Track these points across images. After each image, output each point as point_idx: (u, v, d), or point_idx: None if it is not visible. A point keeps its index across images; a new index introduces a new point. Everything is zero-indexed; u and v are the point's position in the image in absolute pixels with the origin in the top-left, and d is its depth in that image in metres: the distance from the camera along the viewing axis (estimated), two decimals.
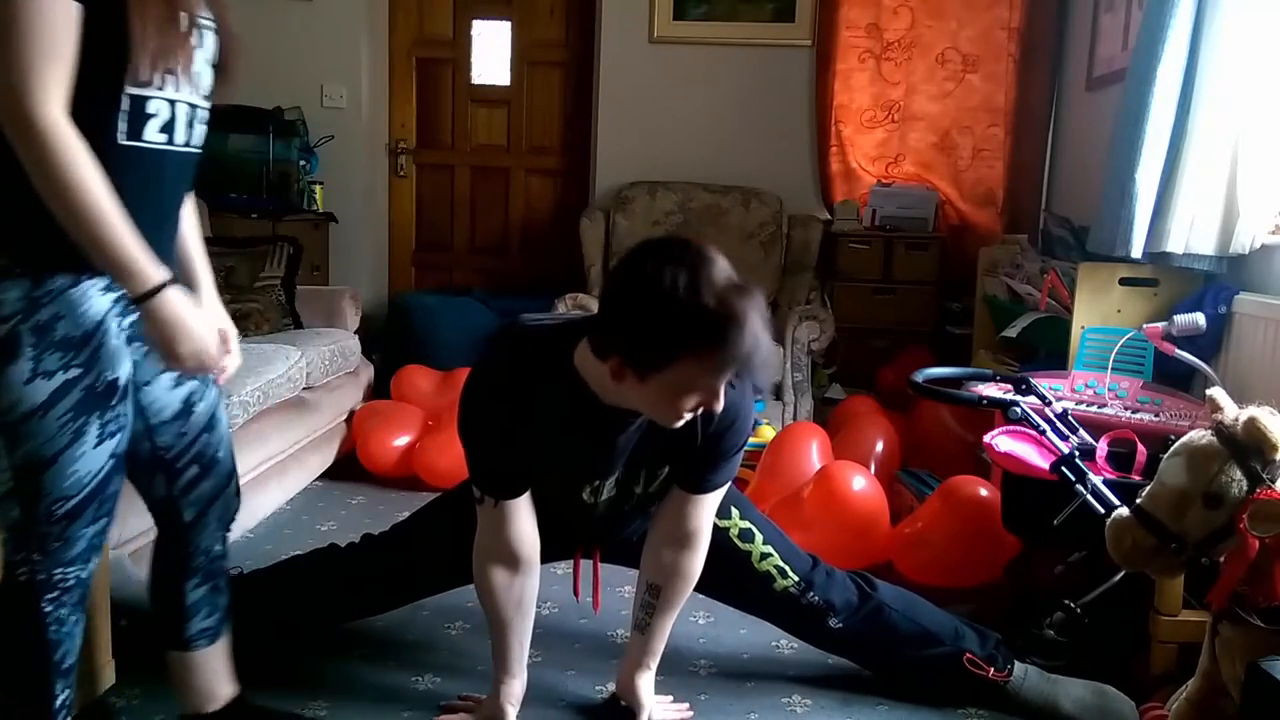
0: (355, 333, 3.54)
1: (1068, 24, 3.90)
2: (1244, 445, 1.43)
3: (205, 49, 1.32)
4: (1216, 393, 1.55)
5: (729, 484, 1.72)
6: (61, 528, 1.29)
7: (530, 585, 1.71)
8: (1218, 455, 1.45)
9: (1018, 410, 2.03)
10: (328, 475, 3.16)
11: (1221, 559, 1.49)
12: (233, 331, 1.54)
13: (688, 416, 1.45)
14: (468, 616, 2.14)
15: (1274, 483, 1.42)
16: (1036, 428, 2.02)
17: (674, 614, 1.78)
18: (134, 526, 2.06)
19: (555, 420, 1.54)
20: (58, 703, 1.35)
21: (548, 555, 1.74)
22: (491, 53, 4.54)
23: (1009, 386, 2.28)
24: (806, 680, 1.96)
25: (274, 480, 2.77)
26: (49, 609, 1.31)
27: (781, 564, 1.83)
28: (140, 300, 1.22)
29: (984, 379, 2.44)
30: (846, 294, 3.95)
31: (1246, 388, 2.22)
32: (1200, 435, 1.50)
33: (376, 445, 3.13)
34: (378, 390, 3.67)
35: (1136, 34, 2.68)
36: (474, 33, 4.53)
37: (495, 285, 4.50)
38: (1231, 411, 1.49)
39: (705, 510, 1.70)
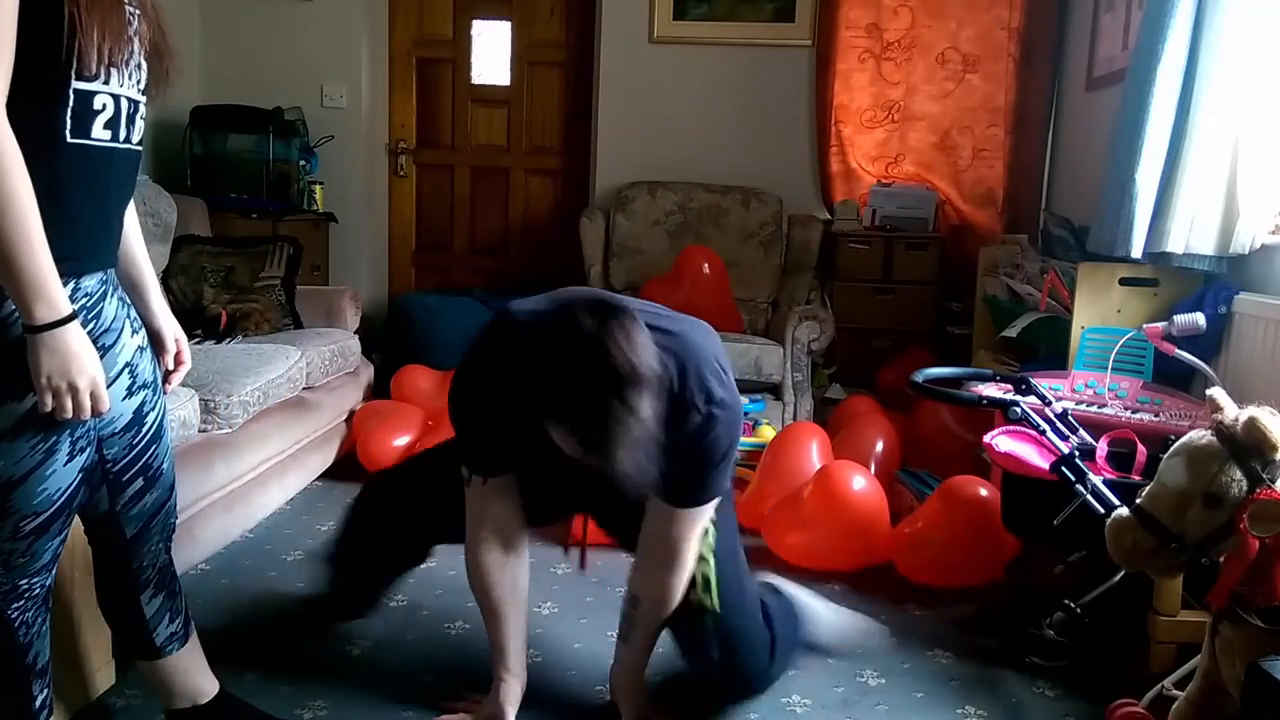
0: (355, 333, 3.54)
1: (1068, 24, 3.90)
2: (1244, 445, 1.43)
3: (144, 42, 1.27)
4: (1216, 393, 1.55)
5: (712, 503, 1.65)
6: (28, 543, 1.27)
7: (521, 569, 1.72)
8: (1218, 455, 1.45)
9: (1018, 410, 2.03)
10: (328, 475, 3.16)
11: (1221, 559, 1.49)
12: (183, 337, 1.52)
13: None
14: (468, 616, 2.14)
15: (1274, 483, 1.42)
16: (1036, 428, 2.02)
17: (654, 631, 1.74)
18: None
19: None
20: (37, 703, 1.34)
21: (542, 518, 1.76)
22: (491, 53, 4.55)
23: (1009, 386, 2.28)
24: (806, 680, 1.96)
25: (274, 480, 2.77)
26: (15, 615, 1.30)
27: (710, 584, 1.69)
28: (43, 329, 1.13)
29: (984, 379, 2.44)
30: (846, 294, 3.95)
31: (1246, 388, 2.22)
32: (1200, 435, 1.50)
33: (376, 445, 3.13)
34: (378, 390, 3.67)
35: (1136, 34, 2.68)
36: (474, 33, 4.53)
37: (495, 285, 4.50)
38: (1231, 411, 1.49)
39: (684, 526, 1.64)
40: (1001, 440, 2.06)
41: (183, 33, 4.21)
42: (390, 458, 3.11)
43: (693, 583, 1.69)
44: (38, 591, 1.32)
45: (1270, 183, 2.41)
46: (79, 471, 1.28)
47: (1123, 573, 1.87)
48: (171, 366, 1.50)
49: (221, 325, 3.13)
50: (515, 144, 4.58)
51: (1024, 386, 2.24)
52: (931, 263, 3.93)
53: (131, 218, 1.41)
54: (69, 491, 1.28)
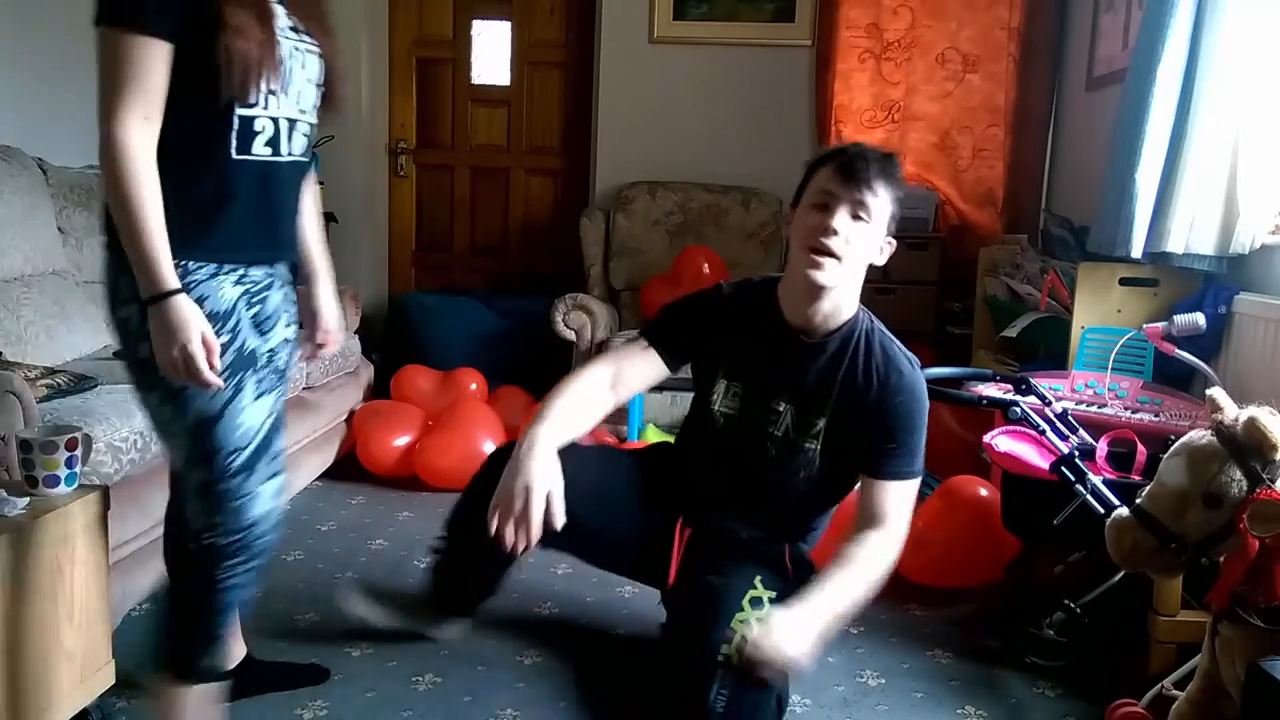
0: (355, 333, 3.54)
1: (1068, 24, 3.90)
2: (1244, 445, 1.43)
3: (308, 70, 1.46)
4: (1216, 393, 1.55)
5: (914, 481, 1.78)
6: (239, 481, 1.43)
7: (598, 413, 1.79)
8: (1218, 455, 1.45)
9: (1018, 410, 2.03)
10: (328, 475, 3.16)
11: (1221, 559, 1.49)
12: (340, 326, 1.76)
13: (816, 254, 1.67)
14: None
15: (1274, 483, 1.42)
16: (1036, 428, 2.02)
17: (845, 577, 1.65)
18: (134, 527, 2.06)
19: (745, 329, 1.80)
20: (207, 666, 1.52)
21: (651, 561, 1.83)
22: (491, 53, 4.54)
23: (1009, 386, 2.28)
24: (807, 680, 1.96)
25: None
26: (222, 577, 1.46)
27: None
28: (150, 301, 1.32)
29: (984, 379, 2.44)
30: None
31: (1246, 388, 2.22)
32: (1200, 435, 1.50)
33: (376, 445, 3.13)
34: (378, 390, 3.67)
35: (1136, 34, 2.68)
36: (474, 33, 4.53)
37: (495, 285, 4.50)
38: (1231, 411, 1.49)
39: (889, 497, 1.75)
40: (1001, 440, 2.06)
41: None
42: (390, 459, 3.12)
43: (729, 636, 1.61)
44: (251, 561, 1.48)
45: (1270, 183, 2.41)
46: (268, 413, 1.47)
47: (1123, 573, 1.86)
48: (322, 343, 1.73)
49: None
50: (515, 144, 4.58)
51: (1024, 386, 2.24)
52: (931, 263, 3.93)
53: (308, 216, 1.64)
54: (264, 430, 1.46)
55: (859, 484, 1.82)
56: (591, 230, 4.13)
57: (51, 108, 3.24)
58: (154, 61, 1.31)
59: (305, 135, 1.50)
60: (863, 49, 4.12)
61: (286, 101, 1.43)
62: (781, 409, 1.79)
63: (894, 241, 1.75)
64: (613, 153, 4.35)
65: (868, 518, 1.75)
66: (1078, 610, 1.99)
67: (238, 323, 1.43)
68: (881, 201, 1.68)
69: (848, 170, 1.67)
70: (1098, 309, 2.63)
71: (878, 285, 3.91)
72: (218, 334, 1.38)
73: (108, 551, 1.71)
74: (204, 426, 1.40)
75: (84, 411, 2.03)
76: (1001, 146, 4.09)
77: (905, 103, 4.14)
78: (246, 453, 1.44)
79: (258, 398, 1.45)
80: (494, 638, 2.07)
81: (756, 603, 1.69)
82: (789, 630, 1.55)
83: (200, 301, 1.38)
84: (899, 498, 1.76)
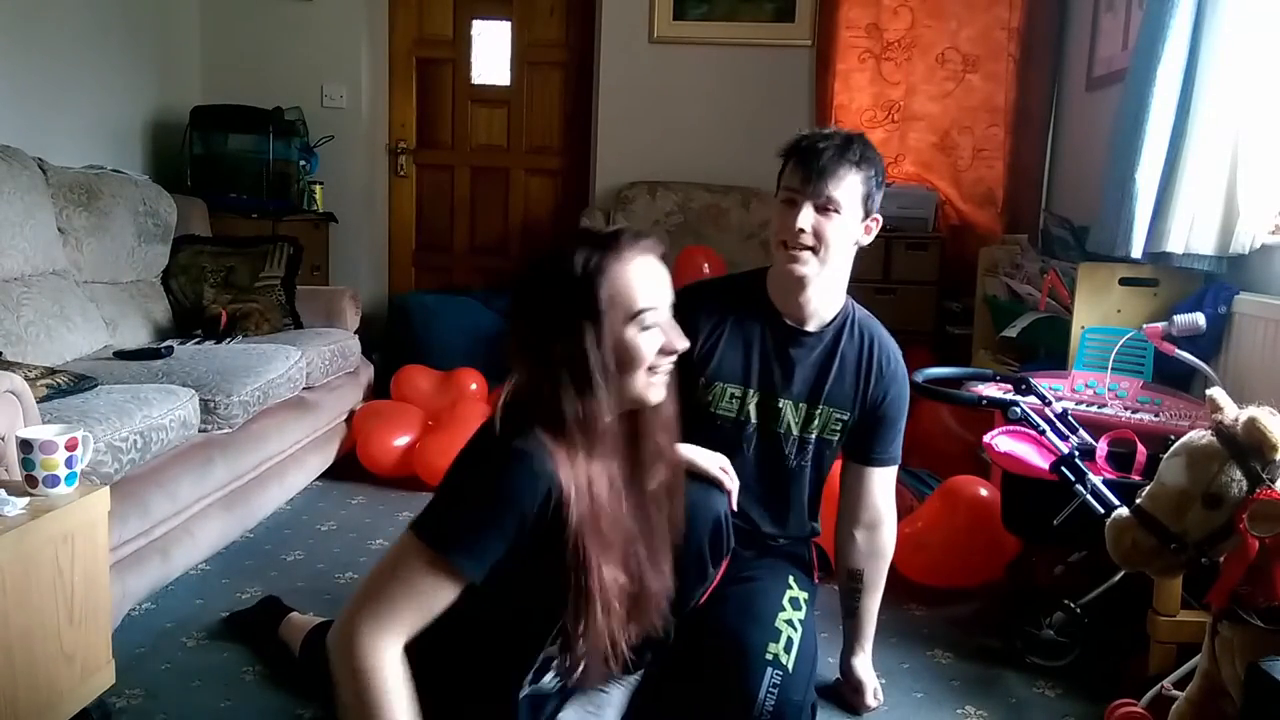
0: (355, 333, 3.54)
1: (1068, 24, 3.90)
2: (1244, 445, 1.43)
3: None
4: (1216, 393, 1.54)
5: (894, 466, 1.84)
6: None
7: None
8: (1218, 455, 1.45)
9: (1018, 410, 2.03)
10: (328, 475, 3.16)
11: (1221, 559, 1.49)
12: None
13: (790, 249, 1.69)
14: None
15: (1274, 483, 1.42)
16: (1036, 428, 2.02)
17: (878, 594, 1.88)
18: (134, 527, 2.06)
19: (736, 325, 1.80)
20: None
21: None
22: (491, 53, 4.55)
23: (1009, 386, 2.28)
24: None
25: (274, 480, 2.77)
26: None
27: (791, 648, 1.65)
28: None
29: (984, 379, 2.44)
30: None
31: (1246, 388, 2.22)
32: (1200, 435, 1.50)
33: (376, 445, 3.13)
34: (378, 390, 3.67)
35: (1136, 34, 2.68)
36: (474, 33, 4.53)
37: (495, 285, 4.50)
38: (1231, 411, 1.49)
39: (878, 486, 1.83)
40: (1001, 440, 2.06)
41: (183, 33, 4.22)
42: (390, 459, 3.12)
43: (775, 635, 1.65)
44: None
45: (1270, 183, 2.41)
46: None
47: (1123, 573, 1.87)
48: None
49: (221, 325, 3.13)
50: (515, 144, 4.58)
51: (1024, 386, 2.24)
52: (931, 263, 3.92)
53: None
54: None
55: (847, 472, 1.87)
56: None
57: (51, 108, 3.25)
58: (446, 591, 1.27)
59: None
60: (863, 49, 4.12)
61: None
62: (781, 405, 1.79)
63: (879, 218, 1.76)
64: (613, 153, 4.35)
65: (872, 514, 1.84)
66: (1078, 610, 1.99)
67: None
68: (848, 188, 1.68)
69: (804, 166, 1.68)
70: (1098, 309, 2.63)
71: (878, 285, 3.92)
72: None
73: (108, 551, 1.71)
74: None
75: (84, 411, 2.03)
76: (1001, 146, 4.09)
77: (905, 103, 4.14)
78: None
79: None
80: None
81: (795, 603, 1.73)
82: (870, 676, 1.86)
83: None
84: (889, 482, 1.85)
